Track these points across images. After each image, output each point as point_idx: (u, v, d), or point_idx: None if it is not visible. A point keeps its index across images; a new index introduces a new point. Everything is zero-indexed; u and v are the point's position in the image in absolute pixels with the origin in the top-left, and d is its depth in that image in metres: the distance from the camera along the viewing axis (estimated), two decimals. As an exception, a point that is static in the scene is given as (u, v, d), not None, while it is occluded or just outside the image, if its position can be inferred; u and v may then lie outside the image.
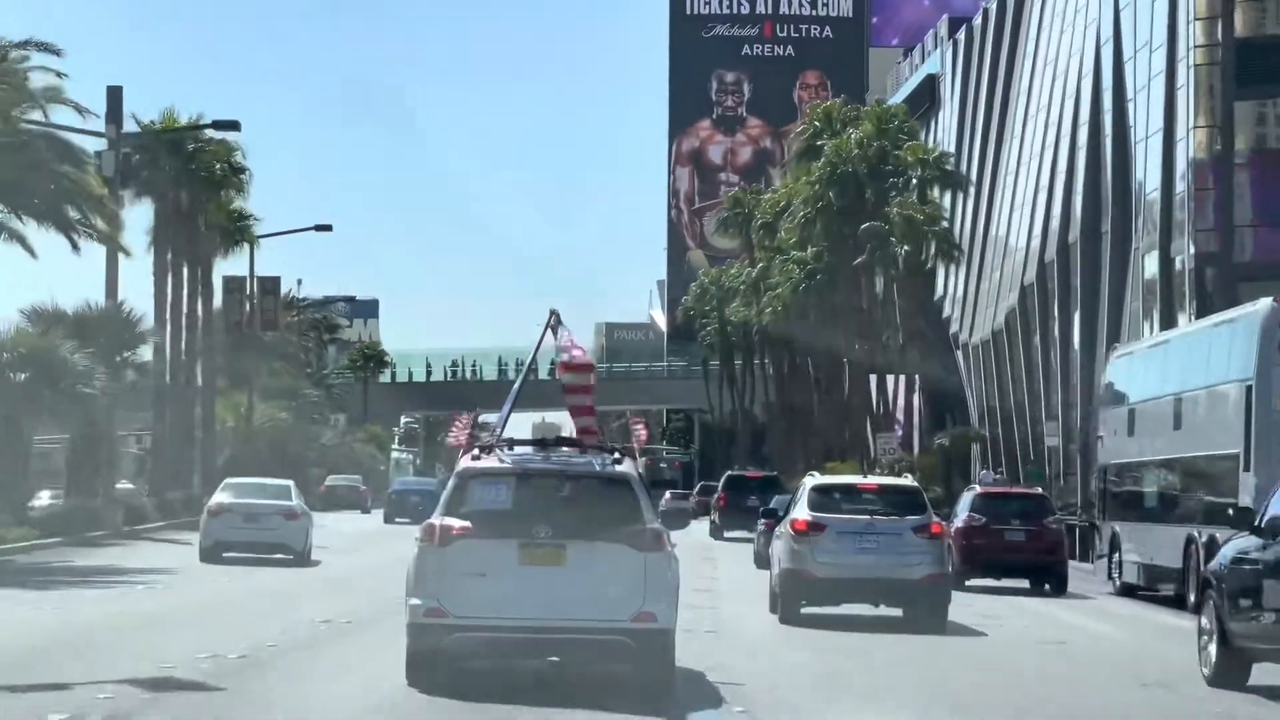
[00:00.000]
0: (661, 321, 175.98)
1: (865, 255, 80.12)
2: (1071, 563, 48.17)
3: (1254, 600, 20.18)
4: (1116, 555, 41.46)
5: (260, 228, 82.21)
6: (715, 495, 73.57)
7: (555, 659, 18.85)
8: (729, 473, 78.51)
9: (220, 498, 44.14)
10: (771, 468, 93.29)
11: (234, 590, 33.90)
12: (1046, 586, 39.68)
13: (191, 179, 70.26)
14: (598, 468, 18.60)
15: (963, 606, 30.70)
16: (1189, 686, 21.15)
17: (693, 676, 19.64)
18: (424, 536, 18.08)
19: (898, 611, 28.89)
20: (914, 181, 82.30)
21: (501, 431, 21.13)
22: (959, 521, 40.59)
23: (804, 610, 28.68)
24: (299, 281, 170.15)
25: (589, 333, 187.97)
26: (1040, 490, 47.47)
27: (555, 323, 22.10)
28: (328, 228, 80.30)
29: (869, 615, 29.15)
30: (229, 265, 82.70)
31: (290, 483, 47.17)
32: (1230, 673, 20.86)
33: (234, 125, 55.67)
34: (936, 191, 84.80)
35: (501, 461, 18.53)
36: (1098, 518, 44.10)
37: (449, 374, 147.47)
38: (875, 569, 28.31)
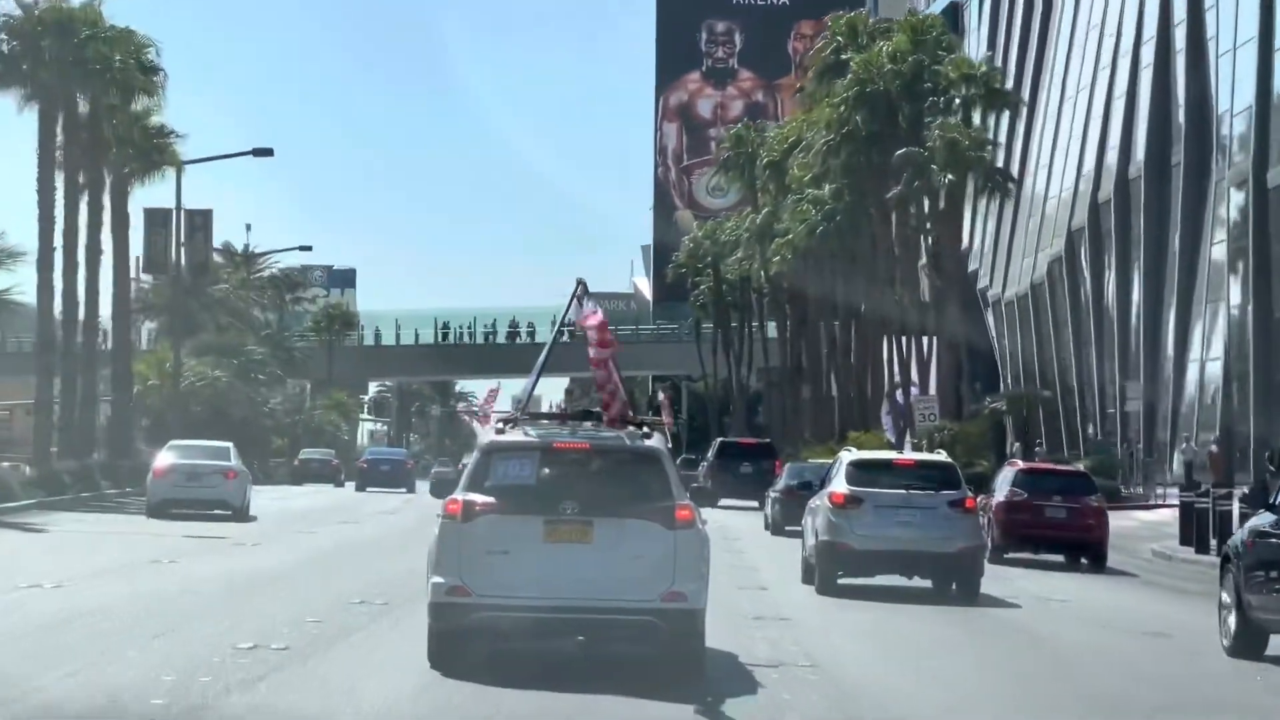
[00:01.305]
0: (646, 289, 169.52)
1: (901, 187, 68.59)
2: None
3: (1270, 574, 21.13)
4: None
5: (196, 172, 70.28)
6: (706, 463, 70.45)
7: (581, 639, 18.52)
8: (720, 439, 75.90)
9: (165, 458, 48.18)
10: (768, 438, 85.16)
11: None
12: (1083, 561, 39.18)
13: (86, 76, 57.78)
14: (626, 442, 18.28)
15: (998, 580, 31.61)
16: (1208, 655, 22.19)
17: (725, 657, 19.14)
18: (446, 512, 17.58)
19: (927, 583, 29.90)
20: (957, 102, 70.86)
21: (527, 403, 21.27)
22: (1000, 496, 39.78)
23: (839, 581, 29.42)
24: (248, 227, 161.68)
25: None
26: (1082, 469, 46.30)
27: (583, 293, 20.94)
28: (268, 152, 68.73)
29: (902, 586, 29.73)
30: (154, 196, 70.84)
31: (230, 444, 50.96)
32: (1248, 643, 21.78)
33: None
34: (979, 116, 73.30)
35: (526, 435, 18.20)
36: None
37: (439, 337, 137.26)
38: (912, 542, 29.00)
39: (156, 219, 70.36)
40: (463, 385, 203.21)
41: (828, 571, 29.22)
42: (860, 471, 30.10)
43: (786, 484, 48.73)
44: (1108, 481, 60.07)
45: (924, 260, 79.00)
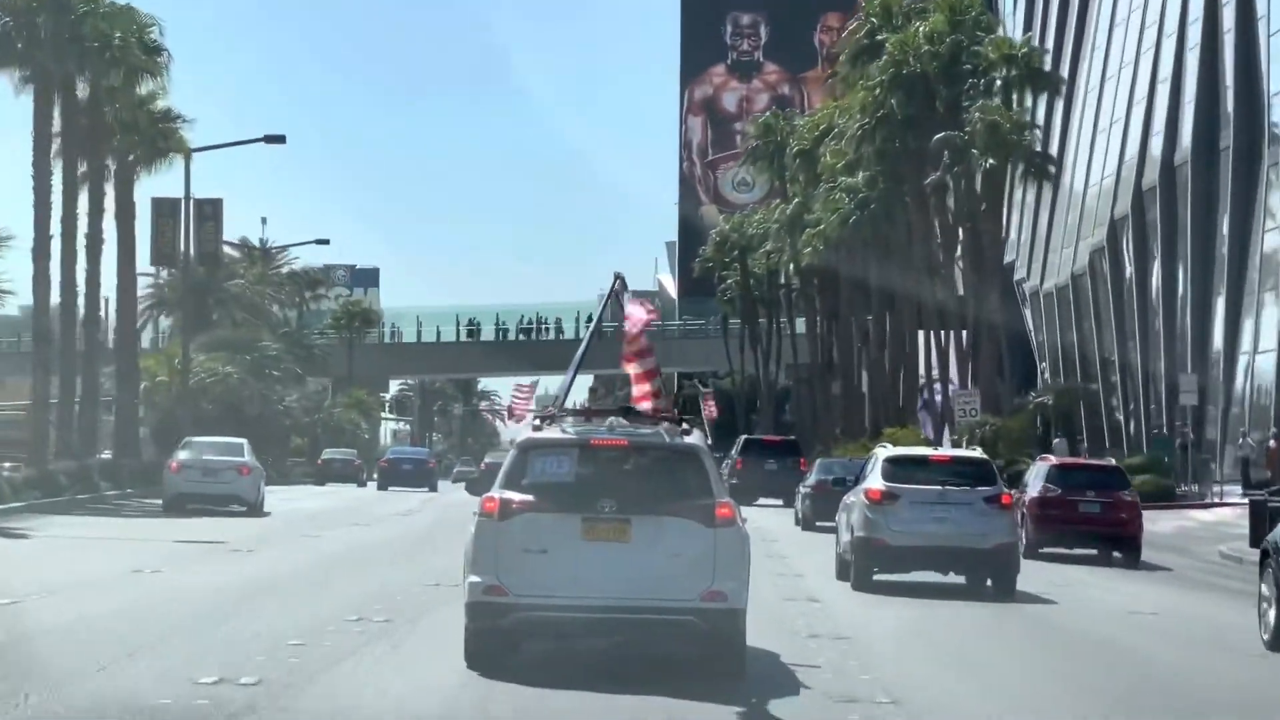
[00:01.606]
0: (670, 286, 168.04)
1: (939, 172, 65.87)
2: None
3: None
4: None
5: (206, 154, 67.32)
6: (730, 461, 69.00)
7: (620, 640, 18.07)
8: (745, 436, 74.71)
9: (181, 455, 50.24)
10: (795, 435, 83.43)
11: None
12: (1116, 555, 39.26)
13: (83, 55, 54.88)
14: (665, 439, 17.85)
15: (1032, 575, 31.64)
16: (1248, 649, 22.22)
17: (766, 656, 18.82)
18: (483, 510, 17.34)
19: (961, 579, 29.94)
20: (997, 84, 68.13)
21: (564, 400, 19.74)
22: (1033, 492, 40.07)
23: (874, 578, 29.51)
24: (263, 220, 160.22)
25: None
26: (1114, 463, 45.77)
27: (621, 288, 20.62)
28: (280, 139, 65.82)
29: (937, 582, 29.78)
30: (162, 186, 68.11)
31: (244, 441, 52.47)
32: None
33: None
34: (1017, 98, 70.53)
35: (564, 432, 17.86)
36: None
37: (461, 334, 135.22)
38: (948, 538, 29.16)
39: (164, 208, 67.31)
40: (485, 383, 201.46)
41: (863, 567, 29.35)
42: (896, 467, 30.22)
43: (818, 479, 49.11)
44: (1163, 480, 57.30)
45: (959, 251, 76.44)
